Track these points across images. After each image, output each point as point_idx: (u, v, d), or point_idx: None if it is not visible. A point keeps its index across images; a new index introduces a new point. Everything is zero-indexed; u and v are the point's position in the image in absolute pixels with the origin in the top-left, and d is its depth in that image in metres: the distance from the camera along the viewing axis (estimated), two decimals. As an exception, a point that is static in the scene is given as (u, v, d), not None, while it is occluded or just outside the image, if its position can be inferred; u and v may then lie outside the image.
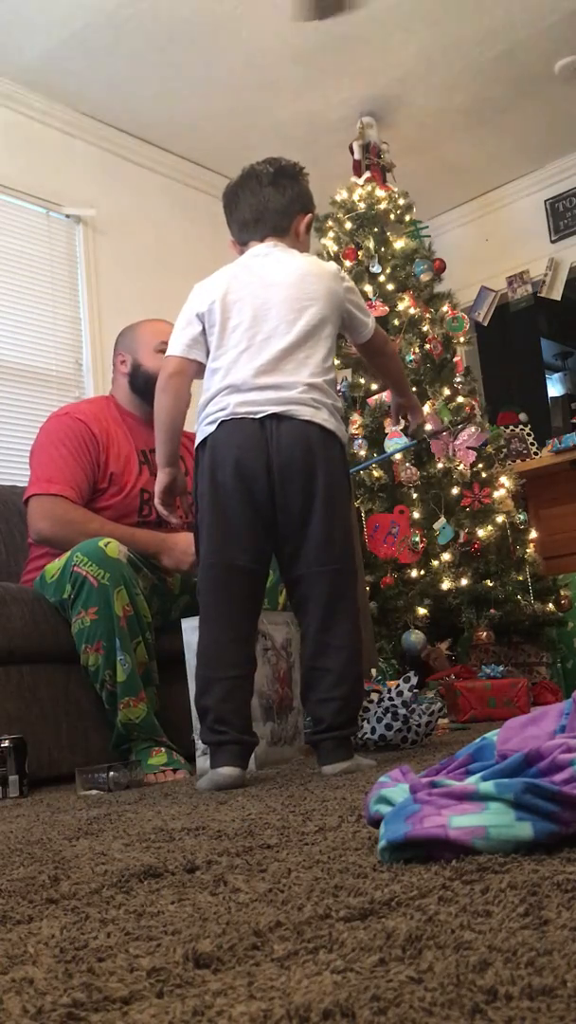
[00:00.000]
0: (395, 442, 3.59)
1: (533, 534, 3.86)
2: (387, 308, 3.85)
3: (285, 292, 1.85)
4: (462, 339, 3.99)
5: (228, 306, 1.85)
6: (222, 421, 1.78)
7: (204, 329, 1.87)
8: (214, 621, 1.78)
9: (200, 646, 1.79)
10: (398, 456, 3.59)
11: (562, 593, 3.74)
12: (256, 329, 1.82)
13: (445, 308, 3.97)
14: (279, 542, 1.81)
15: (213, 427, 1.79)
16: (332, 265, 1.96)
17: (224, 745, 1.71)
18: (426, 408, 3.70)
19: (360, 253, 3.98)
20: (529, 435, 4.71)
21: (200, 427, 1.84)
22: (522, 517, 3.86)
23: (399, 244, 4.01)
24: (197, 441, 1.84)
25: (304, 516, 1.77)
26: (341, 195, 4.14)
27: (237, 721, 1.73)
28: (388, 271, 3.94)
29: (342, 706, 1.73)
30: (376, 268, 3.93)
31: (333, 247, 4.06)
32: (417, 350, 3.78)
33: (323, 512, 1.76)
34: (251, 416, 1.77)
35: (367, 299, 3.86)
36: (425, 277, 3.97)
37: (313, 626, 1.77)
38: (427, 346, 3.82)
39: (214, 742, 1.72)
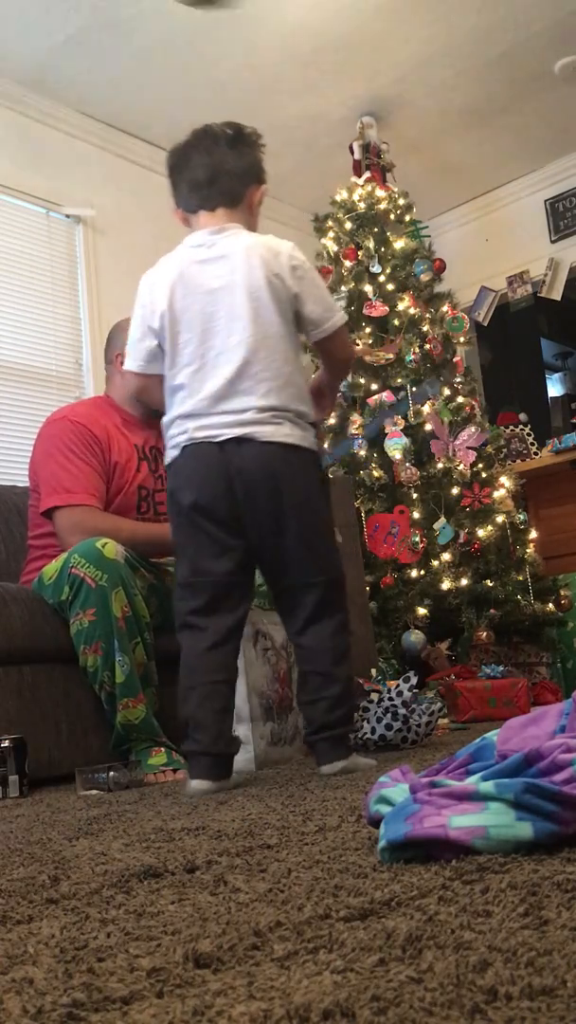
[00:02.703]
0: (395, 442, 3.59)
1: (533, 534, 3.87)
2: (387, 308, 3.85)
3: (229, 298, 1.76)
4: (462, 339, 3.99)
5: (176, 318, 1.78)
6: (184, 446, 1.75)
7: (159, 343, 1.81)
8: (191, 632, 1.74)
9: (181, 659, 1.75)
10: (397, 456, 3.58)
11: (562, 593, 3.74)
12: (207, 345, 1.75)
13: (445, 308, 3.97)
14: (258, 558, 1.78)
15: (176, 451, 1.76)
16: (283, 248, 1.80)
17: (196, 756, 1.67)
18: (426, 408, 3.70)
19: (360, 253, 3.98)
20: (529, 435, 4.72)
21: (167, 448, 1.81)
22: (522, 517, 3.86)
23: (399, 244, 4.01)
24: (166, 462, 1.81)
25: (276, 536, 1.73)
26: (341, 195, 4.14)
27: (213, 727, 1.68)
28: (388, 271, 3.94)
29: (332, 705, 1.71)
30: (376, 268, 3.93)
31: (333, 247, 4.06)
32: (417, 350, 3.78)
33: (296, 529, 1.73)
34: (210, 440, 1.72)
35: (367, 299, 3.86)
36: (425, 277, 3.97)
37: (294, 629, 1.77)
38: (427, 346, 3.82)
39: (187, 752, 1.70)
